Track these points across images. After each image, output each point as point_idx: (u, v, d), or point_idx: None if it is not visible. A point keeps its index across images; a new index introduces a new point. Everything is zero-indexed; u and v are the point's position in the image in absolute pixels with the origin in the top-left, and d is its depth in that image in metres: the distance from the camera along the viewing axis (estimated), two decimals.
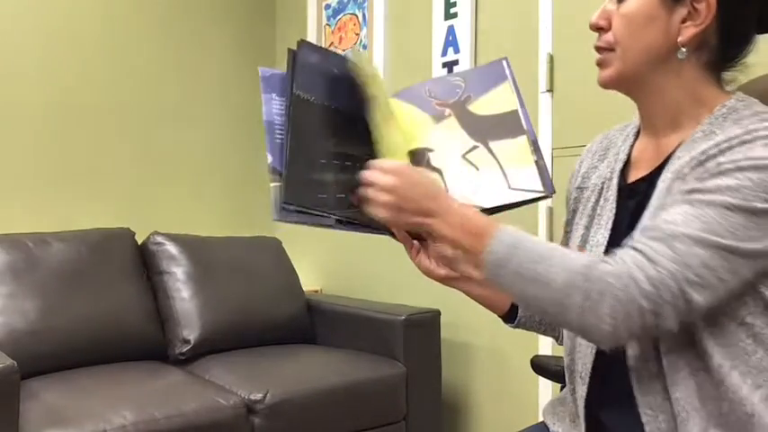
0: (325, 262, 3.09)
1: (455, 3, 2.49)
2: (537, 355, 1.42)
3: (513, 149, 1.09)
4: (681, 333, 0.86)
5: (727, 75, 0.97)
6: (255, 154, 3.23)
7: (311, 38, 3.16)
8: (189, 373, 2.21)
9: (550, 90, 2.20)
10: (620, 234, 0.96)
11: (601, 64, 1.00)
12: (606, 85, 1.00)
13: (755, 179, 0.82)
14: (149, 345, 2.36)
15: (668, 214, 0.86)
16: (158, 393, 1.94)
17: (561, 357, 1.10)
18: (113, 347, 2.27)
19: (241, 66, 3.23)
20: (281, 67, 1.11)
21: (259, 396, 1.99)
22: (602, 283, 0.82)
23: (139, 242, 2.57)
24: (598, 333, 0.83)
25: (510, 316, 1.17)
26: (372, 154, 1.02)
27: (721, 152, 0.87)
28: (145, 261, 2.53)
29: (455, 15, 2.49)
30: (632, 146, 1.06)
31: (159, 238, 2.56)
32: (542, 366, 1.39)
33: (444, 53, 2.53)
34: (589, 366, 0.99)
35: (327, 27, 3.09)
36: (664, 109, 0.98)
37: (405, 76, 2.68)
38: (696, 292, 0.81)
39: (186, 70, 3.08)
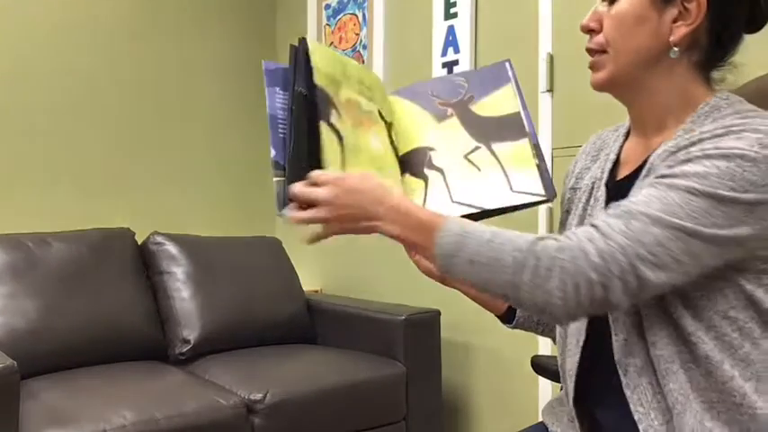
0: (325, 262, 3.09)
1: (455, 3, 2.49)
2: (537, 355, 1.43)
3: (515, 152, 1.09)
4: (667, 326, 0.88)
5: (716, 74, 0.98)
6: (256, 154, 3.24)
7: (311, 38, 3.16)
8: (189, 373, 2.21)
9: (550, 90, 2.20)
10: None
11: (593, 66, 1.00)
12: (599, 87, 1.00)
13: (723, 167, 0.82)
14: (149, 345, 2.36)
15: (633, 196, 0.87)
16: (158, 393, 1.94)
17: None
18: (113, 347, 2.27)
19: (242, 66, 3.23)
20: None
21: (259, 396, 1.99)
22: (549, 257, 0.83)
23: (139, 242, 2.57)
24: (551, 308, 0.84)
25: (508, 316, 1.17)
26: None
27: (692, 144, 0.88)
28: (145, 261, 2.53)
29: (455, 15, 2.49)
30: (622, 146, 1.07)
31: (159, 238, 2.56)
32: (542, 366, 1.39)
33: (444, 53, 2.53)
34: (576, 364, 1.00)
35: (327, 27, 3.09)
36: (654, 110, 0.98)
37: (405, 76, 2.68)
38: (648, 269, 0.81)
39: (187, 70, 3.08)
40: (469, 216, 1.07)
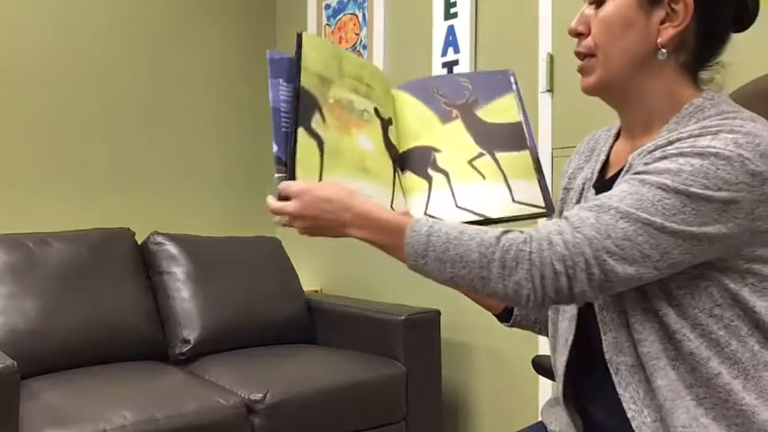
0: (325, 262, 3.09)
1: (455, 3, 2.49)
2: (538, 355, 1.43)
3: (517, 163, 1.10)
4: (652, 323, 0.89)
5: (704, 75, 0.98)
6: (256, 154, 3.24)
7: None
8: (189, 373, 2.21)
9: (550, 90, 2.20)
10: None
11: (582, 71, 1.00)
12: (590, 91, 1.00)
13: (696, 165, 0.83)
14: (149, 345, 2.36)
15: (609, 191, 0.88)
16: (158, 393, 1.94)
17: None
18: (114, 347, 2.27)
19: (242, 66, 3.23)
20: None
21: (259, 396, 1.99)
22: (516, 249, 0.85)
23: (139, 242, 2.57)
24: (522, 299, 0.86)
25: (505, 315, 1.18)
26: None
27: (670, 143, 0.88)
28: (145, 261, 2.53)
29: (455, 15, 2.49)
30: (612, 147, 1.07)
31: (159, 238, 2.56)
32: (544, 366, 1.39)
33: (444, 53, 2.53)
34: (564, 363, 1.02)
35: (327, 27, 3.09)
36: (642, 112, 0.98)
37: (405, 77, 2.67)
38: (616, 262, 0.83)
39: (186, 71, 3.08)
40: (471, 222, 1.07)
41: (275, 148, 1.00)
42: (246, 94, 3.23)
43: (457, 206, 1.08)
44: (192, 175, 3.08)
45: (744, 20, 0.96)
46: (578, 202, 1.06)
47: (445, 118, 1.15)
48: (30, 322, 2.13)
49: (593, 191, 1.03)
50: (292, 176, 0.97)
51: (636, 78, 0.96)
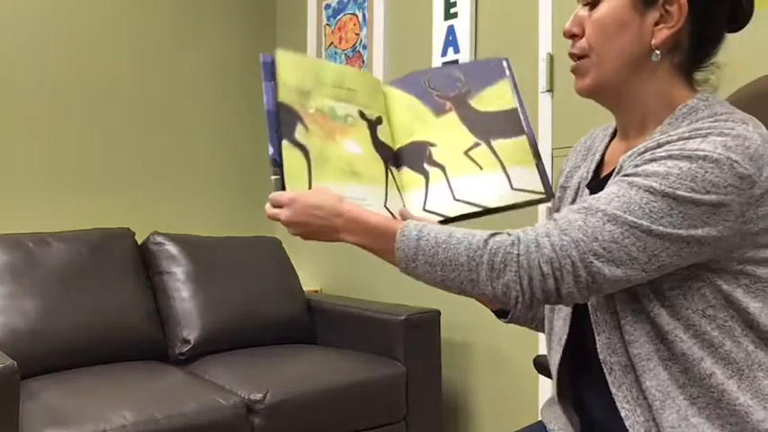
0: (325, 262, 3.09)
1: (455, 3, 2.49)
2: (539, 355, 1.43)
3: (514, 149, 1.09)
4: (644, 324, 0.89)
5: (699, 76, 0.98)
6: (256, 154, 3.24)
7: (311, 38, 3.16)
8: (189, 373, 2.21)
9: (550, 90, 2.20)
10: None
11: (576, 71, 1.00)
12: (584, 93, 1.00)
13: (684, 168, 0.83)
14: (149, 345, 2.36)
15: (599, 193, 0.88)
16: (158, 393, 1.94)
17: None
18: (113, 347, 2.27)
19: (241, 66, 3.23)
20: None
21: (259, 396, 1.99)
22: (503, 252, 0.86)
23: (139, 242, 2.57)
24: (510, 300, 0.87)
25: (503, 311, 1.18)
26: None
27: (660, 145, 0.88)
28: (145, 261, 2.53)
29: (455, 15, 2.50)
30: (608, 146, 1.07)
31: (159, 238, 2.56)
32: (544, 366, 1.39)
33: (444, 53, 2.53)
34: (558, 362, 1.03)
35: (327, 27, 3.09)
36: (636, 113, 0.98)
37: None
38: (603, 265, 0.83)
39: (187, 70, 3.08)
40: (471, 215, 1.07)
41: (271, 150, 1.00)
42: (246, 94, 3.23)
43: (455, 199, 1.08)
44: (192, 175, 3.08)
45: (738, 20, 0.96)
46: (573, 201, 1.06)
47: (439, 111, 1.14)
48: (30, 322, 2.13)
49: (587, 191, 1.03)
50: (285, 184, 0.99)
51: (630, 80, 0.96)
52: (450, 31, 2.51)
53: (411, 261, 0.92)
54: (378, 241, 0.96)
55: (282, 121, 1.02)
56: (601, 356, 0.94)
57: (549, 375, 1.40)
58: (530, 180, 1.07)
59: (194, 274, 2.49)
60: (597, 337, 0.94)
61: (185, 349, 2.37)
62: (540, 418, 1.14)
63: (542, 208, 2.16)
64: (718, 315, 0.87)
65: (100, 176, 2.83)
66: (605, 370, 0.93)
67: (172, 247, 2.54)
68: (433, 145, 1.12)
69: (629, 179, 0.86)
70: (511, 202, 1.06)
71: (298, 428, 2.04)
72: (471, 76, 1.16)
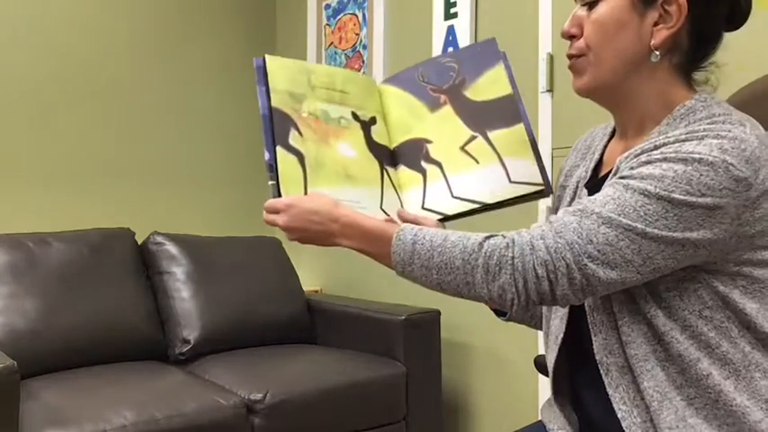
0: (325, 262, 3.09)
1: (455, 3, 2.49)
2: (540, 355, 1.43)
3: (511, 139, 1.08)
4: (640, 325, 0.89)
5: (699, 76, 0.97)
6: (256, 154, 3.24)
7: (311, 38, 3.16)
8: (189, 373, 2.21)
9: (550, 90, 2.20)
10: None
11: (573, 69, 1.00)
12: (582, 92, 1.00)
13: (680, 171, 0.83)
14: (149, 345, 2.36)
15: (594, 195, 0.88)
16: (158, 393, 1.94)
17: None
18: (113, 347, 2.27)
19: (241, 66, 3.23)
20: None
21: (259, 396, 1.99)
22: (498, 254, 0.86)
23: (139, 242, 2.57)
24: (506, 302, 0.87)
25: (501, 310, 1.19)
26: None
27: (656, 147, 0.88)
28: (145, 261, 2.53)
29: (455, 15, 2.50)
30: (606, 146, 1.07)
31: (159, 238, 2.56)
32: (545, 366, 1.39)
33: (444, 53, 2.53)
34: (553, 361, 1.03)
35: (327, 27, 3.09)
36: (635, 114, 0.98)
37: None
38: (598, 267, 0.83)
39: (187, 71, 3.08)
40: (470, 211, 1.07)
41: (267, 155, 1.00)
42: (246, 93, 3.23)
43: (453, 196, 1.08)
44: (192, 174, 3.08)
45: (736, 18, 0.96)
46: (572, 201, 1.06)
47: (434, 105, 1.14)
48: (30, 322, 2.13)
49: (585, 190, 1.03)
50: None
51: (629, 80, 0.96)
52: (451, 31, 2.51)
53: (407, 265, 0.92)
54: (374, 245, 0.96)
55: (276, 127, 1.02)
56: (598, 357, 0.94)
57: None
58: (528, 172, 1.06)
59: (194, 274, 2.49)
60: (594, 338, 0.94)
61: (185, 349, 2.37)
62: (539, 418, 1.14)
63: (543, 208, 2.16)
64: (715, 316, 0.87)
65: (100, 176, 2.83)
66: (602, 371, 0.93)
67: (172, 247, 2.54)
68: (429, 141, 1.12)
69: (625, 181, 0.86)
70: (510, 196, 1.05)
71: (298, 428, 2.04)
72: (465, 64, 1.14)
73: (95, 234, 2.44)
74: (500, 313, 1.19)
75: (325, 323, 2.65)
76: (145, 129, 2.96)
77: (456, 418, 2.54)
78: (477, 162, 1.08)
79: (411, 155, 1.12)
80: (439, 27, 2.56)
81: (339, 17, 3.03)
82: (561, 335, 1.02)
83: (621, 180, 0.87)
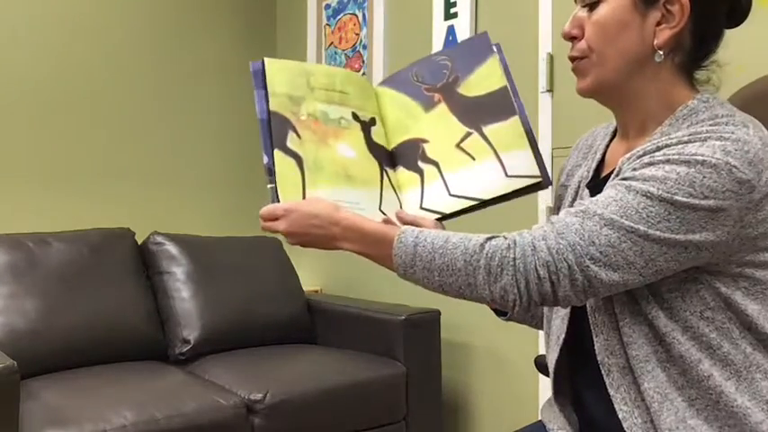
0: (325, 262, 3.09)
1: (455, 3, 2.49)
2: (540, 355, 1.43)
3: (507, 132, 1.07)
4: (642, 326, 0.89)
5: (701, 75, 0.97)
6: (256, 154, 3.23)
7: (311, 38, 3.16)
8: (189, 373, 2.21)
9: (550, 90, 2.20)
10: None
11: (576, 71, 0.99)
12: (585, 93, 1.00)
13: (682, 173, 0.83)
14: (149, 345, 2.36)
15: (596, 196, 0.88)
16: (158, 393, 1.94)
17: None
18: (113, 347, 2.27)
19: (241, 66, 3.23)
20: None
21: (259, 396, 1.99)
22: (500, 256, 0.86)
23: (139, 242, 2.57)
24: (508, 303, 0.87)
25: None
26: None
27: (658, 148, 0.88)
28: (145, 261, 2.53)
29: (455, 15, 2.49)
30: (608, 146, 1.07)
31: (159, 238, 2.56)
32: (546, 366, 1.39)
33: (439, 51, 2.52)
34: (554, 361, 1.03)
35: (327, 27, 3.09)
36: (638, 114, 0.98)
37: None
38: (599, 269, 0.83)
39: (187, 70, 3.08)
40: (469, 209, 1.07)
41: (265, 159, 1.00)
42: (246, 94, 3.23)
43: (450, 195, 1.07)
44: (192, 175, 3.08)
45: (736, 15, 0.96)
46: (573, 201, 1.06)
47: (428, 105, 1.13)
48: (30, 322, 2.13)
49: (587, 191, 1.02)
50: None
51: (631, 80, 0.96)
52: (451, 31, 2.51)
53: (409, 267, 0.92)
54: (375, 248, 0.96)
55: (274, 130, 1.01)
56: (599, 358, 0.94)
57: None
58: (524, 165, 1.05)
59: (194, 274, 2.49)
60: (595, 339, 0.94)
61: (185, 349, 2.37)
62: (539, 418, 1.14)
63: (543, 208, 2.16)
64: (717, 317, 0.87)
65: (100, 176, 2.83)
66: (603, 371, 0.93)
67: (172, 247, 2.54)
68: (425, 141, 1.11)
69: (627, 183, 0.86)
70: (507, 190, 1.05)
71: (298, 428, 2.04)
72: (458, 60, 1.14)
73: (95, 234, 2.44)
74: (500, 313, 1.19)
75: (325, 323, 2.65)
76: (145, 129, 2.96)
77: (456, 418, 2.54)
78: (474, 159, 1.08)
79: (408, 156, 1.12)
80: (439, 27, 2.56)
81: (339, 17, 3.03)
82: (563, 335, 1.02)
83: (624, 181, 0.86)
